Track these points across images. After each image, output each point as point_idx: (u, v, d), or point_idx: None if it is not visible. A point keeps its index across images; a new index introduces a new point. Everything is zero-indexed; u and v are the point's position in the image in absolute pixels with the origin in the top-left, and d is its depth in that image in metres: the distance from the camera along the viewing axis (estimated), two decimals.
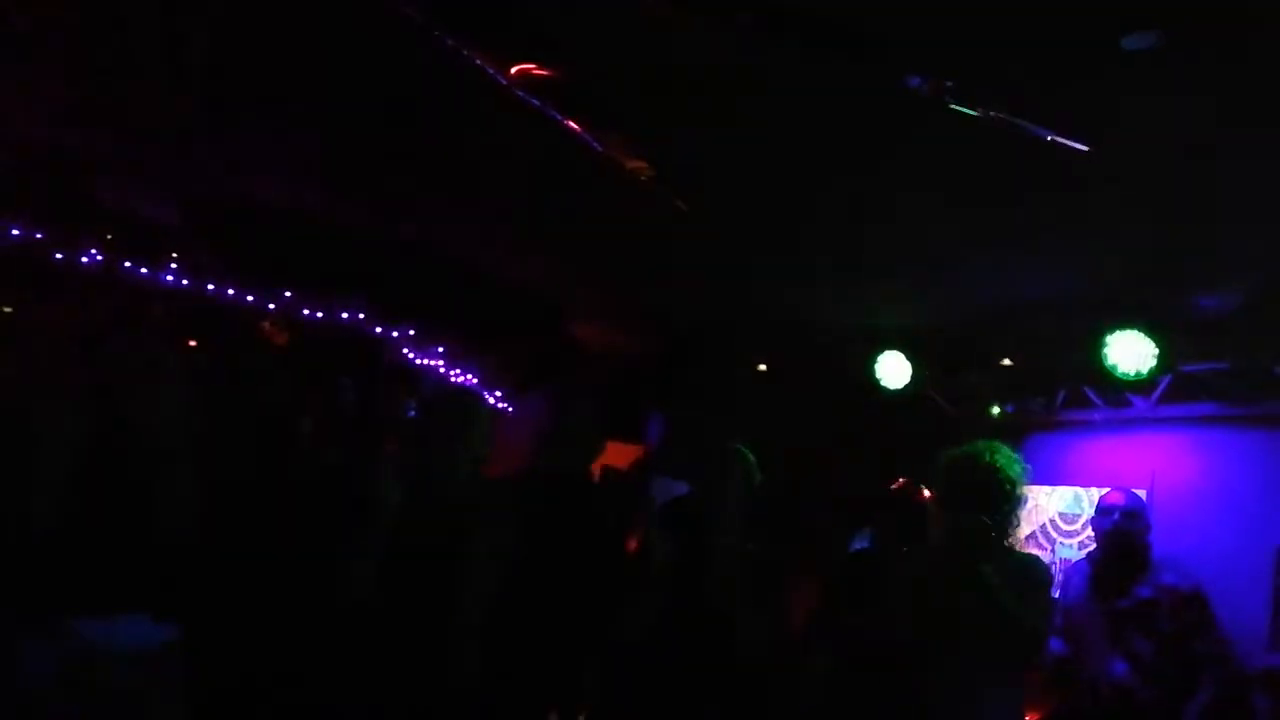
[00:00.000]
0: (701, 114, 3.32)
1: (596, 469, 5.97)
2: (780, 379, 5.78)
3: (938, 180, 3.33)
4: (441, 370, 6.62)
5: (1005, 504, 3.35)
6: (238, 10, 2.98)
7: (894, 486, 3.70)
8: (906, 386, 5.02)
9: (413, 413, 7.84)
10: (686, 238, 4.33)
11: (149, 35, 3.09)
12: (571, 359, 6.71)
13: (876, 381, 5.10)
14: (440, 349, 6.32)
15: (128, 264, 4.96)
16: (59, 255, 4.97)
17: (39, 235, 4.93)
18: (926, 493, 3.64)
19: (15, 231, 4.92)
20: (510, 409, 7.43)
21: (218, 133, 3.58)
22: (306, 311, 5.42)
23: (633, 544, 4.59)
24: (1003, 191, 3.32)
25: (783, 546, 3.90)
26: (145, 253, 5.02)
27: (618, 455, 7.34)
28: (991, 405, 5.13)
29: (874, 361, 5.08)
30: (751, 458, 3.98)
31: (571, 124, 3.56)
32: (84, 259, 4.96)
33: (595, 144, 3.64)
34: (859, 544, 4.43)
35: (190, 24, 3.02)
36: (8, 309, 5.47)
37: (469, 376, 7.02)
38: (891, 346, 5.02)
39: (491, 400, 7.34)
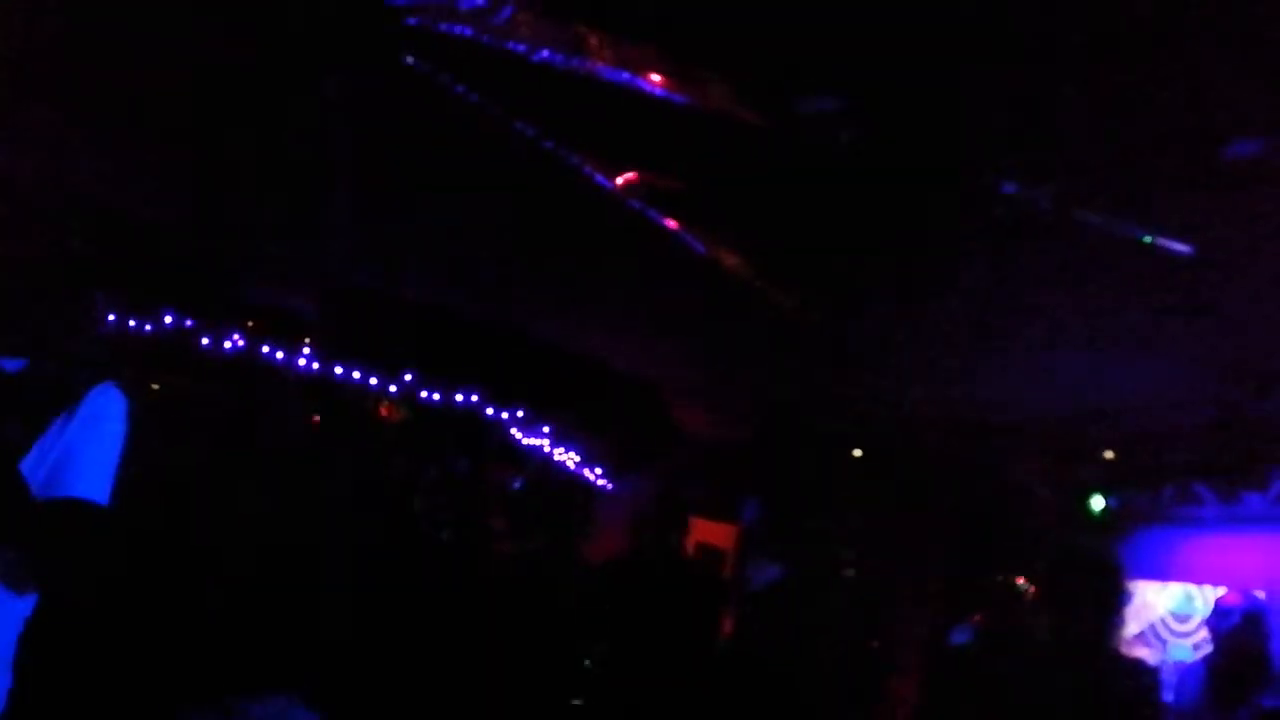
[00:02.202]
0: (810, 215, 3.50)
1: (693, 545, 6.05)
2: (881, 469, 5.79)
3: (1027, 274, 3.41)
4: (546, 449, 6.88)
5: (1115, 603, 3.29)
6: (377, 119, 3.33)
7: (995, 580, 3.69)
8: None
9: (518, 485, 8.08)
10: (792, 332, 4.47)
11: (298, 143, 3.46)
12: (670, 441, 6.86)
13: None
14: (546, 429, 6.58)
15: (265, 349, 5.40)
16: (205, 340, 5.44)
17: (189, 323, 5.42)
18: (1029, 587, 3.61)
19: (169, 319, 5.42)
20: (610, 487, 7.60)
21: (356, 230, 3.94)
22: (424, 394, 5.76)
23: (727, 625, 4.66)
24: (1101, 289, 3.38)
25: (883, 637, 3.91)
26: (282, 338, 5.45)
27: (713, 534, 7.41)
28: (1092, 496, 5.04)
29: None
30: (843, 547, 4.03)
31: (672, 224, 3.80)
32: (227, 344, 5.43)
33: (696, 244, 3.86)
34: (959, 637, 4.39)
35: (336, 131, 3.37)
36: (155, 386, 5.98)
37: (572, 455, 7.25)
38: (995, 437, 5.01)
39: (591, 478, 7.54)
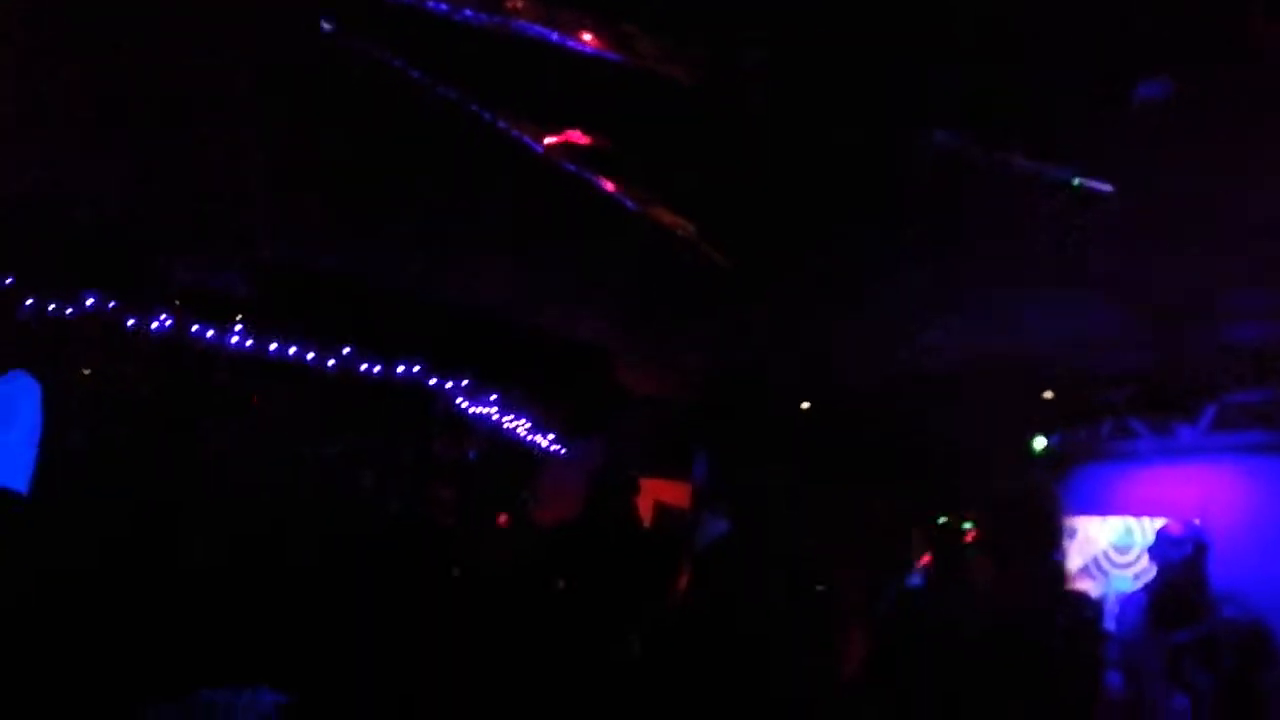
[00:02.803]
0: (745, 171, 3.46)
1: (649, 504, 6.07)
2: (824, 420, 5.84)
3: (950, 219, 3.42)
4: (495, 418, 6.81)
5: (1055, 539, 3.37)
6: (298, 94, 3.20)
7: (940, 525, 3.75)
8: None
9: (472, 456, 8.03)
10: (731, 288, 4.45)
11: (217, 121, 3.32)
12: (619, 404, 6.84)
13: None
14: (493, 398, 6.51)
15: (195, 328, 5.23)
16: (131, 321, 5.26)
17: (113, 304, 5.22)
18: (972, 529, 3.68)
19: (90, 300, 5.21)
20: (561, 452, 7.57)
21: (281, 206, 3.81)
22: (365, 367, 5.65)
23: (682, 582, 4.69)
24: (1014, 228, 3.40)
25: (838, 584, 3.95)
26: (213, 318, 5.29)
27: (668, 492, 7.45)
28: (1035, 439, 5.14)
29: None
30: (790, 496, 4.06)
31: (608, 185, 3.74)
32: (154, 325, 5.25)
33: (630, 203, 3.81)
34: (913, 581, 4.46)
35: (255, 110, 3.24)
36: (86, 371, 5.78)
37: (521, 423, 7.20)
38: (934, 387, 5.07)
39: (543, 443, 7.50)
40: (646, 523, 5.29)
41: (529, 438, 7.34)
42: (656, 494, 6.74)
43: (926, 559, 4.10)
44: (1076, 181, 3.02)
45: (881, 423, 5.39)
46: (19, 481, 1.89)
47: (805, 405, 5.88)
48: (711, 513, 5.28)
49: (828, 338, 4.99)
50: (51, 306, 5.01)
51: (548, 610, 3.66)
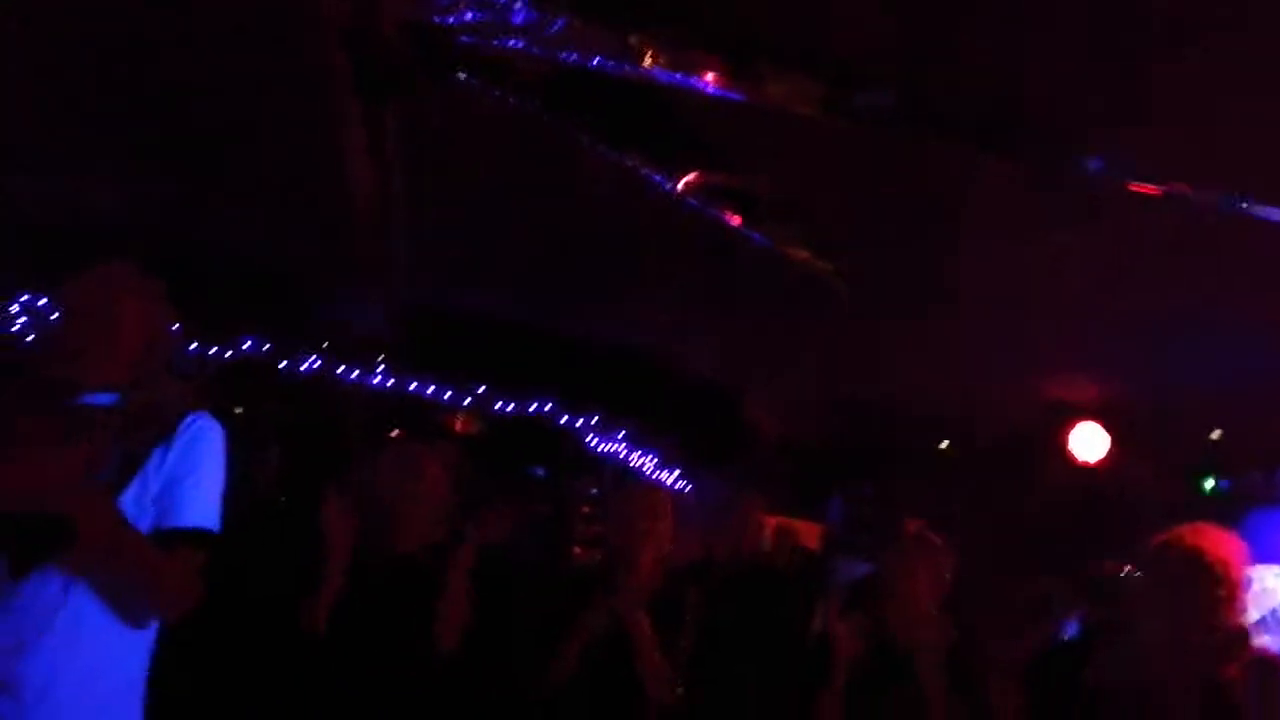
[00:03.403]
0: (881, 210, 3.38)
1: (777, 541, 5.92)
2: (967, 458, 5.59)
3: (1130, 253, 3.23)
4: (622, 455, 6.83)
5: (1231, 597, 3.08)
6: (433, 145, 3.32)
7: (1100, 570, 3.50)
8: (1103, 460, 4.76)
9: (595, 492, 8.09)
10: (863, 323, 4.34)
11: (359, 172, 3.48)
12: (746, 441, 6.75)
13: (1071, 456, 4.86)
14: (622, 434, 6.54)
15: (341, 370, 5.49)
16: (283, 364, 5.55)
17: (267, 347, 5.54)
18: (1137, 576, 3.41)
19: (247, 344, 5.55)
20: (687, 489, 7.53)
21: (422, 250, 3.95)
22: (499, 405, 5.77)
23: (818, 626, 4.53)
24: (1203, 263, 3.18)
25: (984, 635, 3.73)
26: (355, 358, 5.54)
27: (797, 533, 7.29)
28: (1204, 479, 4.77)
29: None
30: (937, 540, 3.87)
31: (737, 220, 3.71)
32: (303, 366, 5.52)
33: (761, 240, 3.76)
34: (1068, 631, 4.18)
35: (392, 161, 3.38)
36: (239, 410, 6.13)
37: (648, 459, 7.20)
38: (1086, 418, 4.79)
39: (668, 480, 7.47)
40: (773, 561, 5.16)
41: (656, 474, 7.34)
42: (784, 533, 6.60)
43: (1086, 610, 3.84)
44: (1245, 205, 2.80)
45: (1031, 462, 5.12)
46: (212, 520, 1.91)
47: (944, 444, 5.65)
48: (848, 555, 5.12)
49: (972, 372, 4.79)
50: (212, 350, 5.34)
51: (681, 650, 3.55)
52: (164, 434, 1.84)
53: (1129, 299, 3.59)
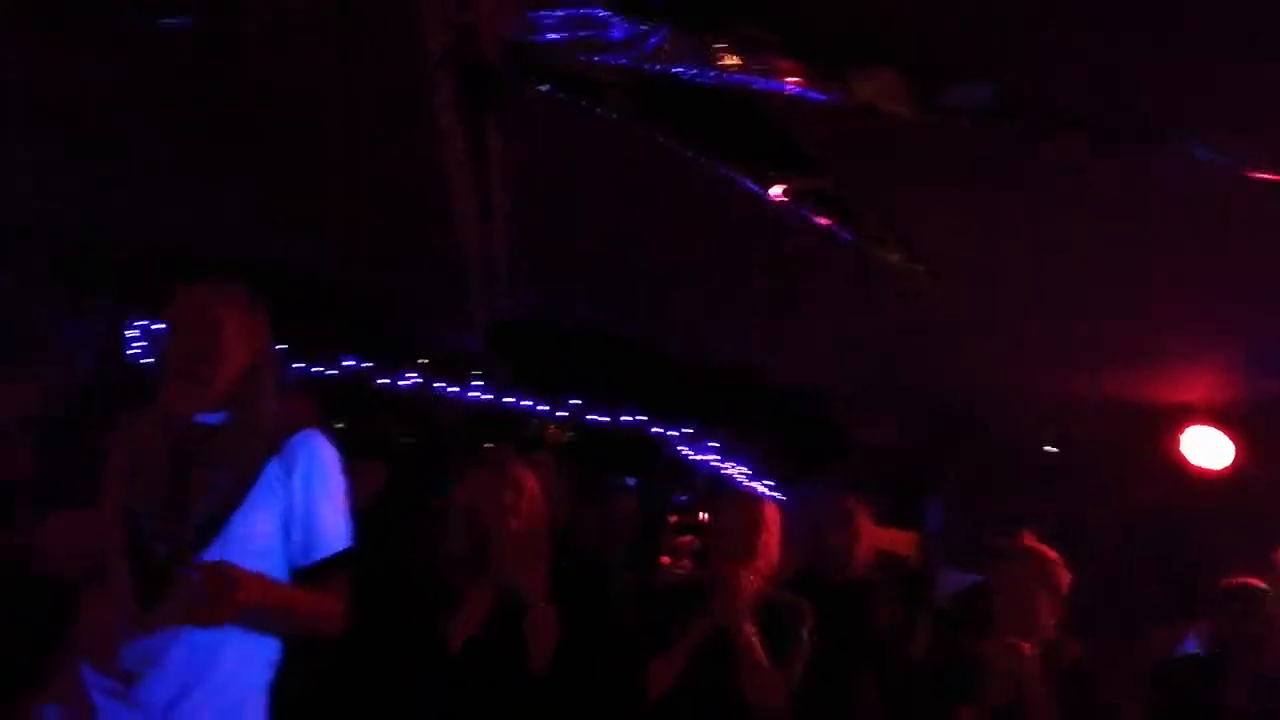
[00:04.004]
0: (972, 206, 3.31)
1: (873, 553, 5.81)
2: (1077, 462, 5.40)
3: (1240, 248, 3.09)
4: (714, 464, 6.83)
5: None
6: (532, 161, 3.38)
7: (1229, 583, 3.33)
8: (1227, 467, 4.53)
9: (684, 499, 8.08)
10: (960, 321, 4.25)
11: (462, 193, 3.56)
12: (840, 448, 6.67)
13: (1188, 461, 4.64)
14: (713, 444, 6.54)
15: (439, 385, 5.63)
16: (383, 380, 5.74)
17: (367, 364, 5.73)
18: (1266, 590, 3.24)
19: (349, 362, 5.74)
20: (782, 498, 7.47)
21: (520, 267, 4.03)
22: (591, 417, 5.84)
23: (920, 643, 4.42)
24: None
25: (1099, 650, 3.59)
26: (452, 373, 5.68)
27: (893, 541, 7.14)
28: None
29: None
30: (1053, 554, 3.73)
31: (824, 221, 3.67)
32: (402, 382, 5.69)
33: (849, 238, 3.71)
34: (1188, 646, 4.00)
35: (495, 179, 3.45)
36: (339, 424, 6.35)
37: (740, 467, 7.17)
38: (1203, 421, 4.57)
39: (763, 490, 7.43)
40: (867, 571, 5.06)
41: (747, 483, 7.30)
42: (881, 542, 6.48)
43: (1207, 623, 3.67)
44: None
45: (1144, 468, 4.91)
46: (350, 540, 1.98)
47: (1050, 449, 5.46)
48: (954, 565, 4.99)
49: (1076, 374, 4.63)
50: (315, 369, 5.54)
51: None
52: (273, 450, 1.90)
53: (1246, 290, 3.43)
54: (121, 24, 2.61)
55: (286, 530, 1.91)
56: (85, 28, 2.71)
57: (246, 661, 1.89)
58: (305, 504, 1.92)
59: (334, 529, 1.98)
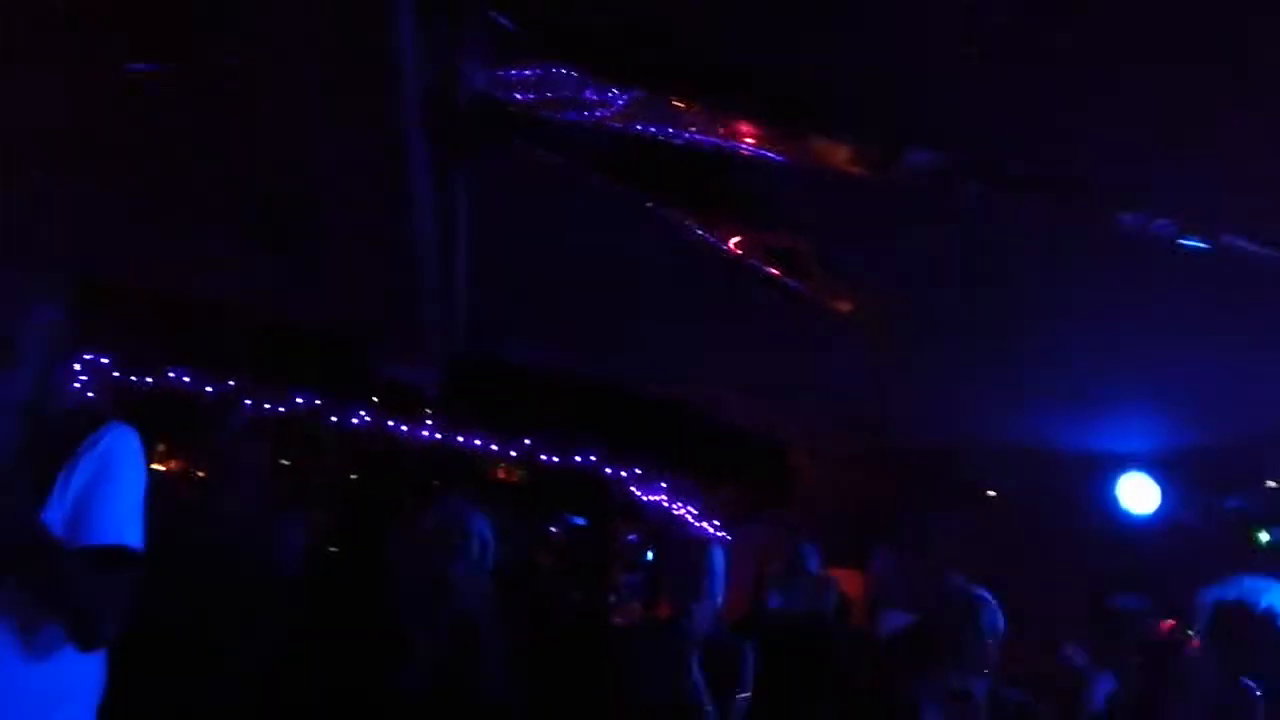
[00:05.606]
0: (915, 256, 3.44)
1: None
2: (1015, 508, 5.56)
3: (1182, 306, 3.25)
4: (664, 505, 6.88)
5: None
6: (495, 208, 3.43)
7: (1160, 628, 3.45)
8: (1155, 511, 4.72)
9: (633, 539, 8.10)
10: (904, 370, 4.38)
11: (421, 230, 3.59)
12: (787, 490, 6.76)
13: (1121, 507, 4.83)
14: (663, 484, 6.59)
15: (391, 423, 5.60)
16: (334, 418, 5.68)
17: (318, 401, 5.67)
18: (1188, 634, 3.37)
19: (299, 400, 5.68)
20: (727, 538, 7.54)
21: (477, 309, 4.06)
22: (544, 457, 5.86)
23: (865, 681, 4.50)
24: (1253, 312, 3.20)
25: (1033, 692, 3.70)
26: (404, 412, 5.65)
27: (840, 581, 7.24)
28: (1259, 531, 4.70)
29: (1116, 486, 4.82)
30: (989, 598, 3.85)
31: (773, 271, 3.78)
32: (354, 420, 5.65)
33: (799, 288, 3.83)
34: (1104, 686, 4.12)
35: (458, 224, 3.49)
36: (285, 461, 6.25)
37: (688, 508, 7.23)
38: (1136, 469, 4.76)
39: (710, 530, 7.49)
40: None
41: (696, 524, 7.35)
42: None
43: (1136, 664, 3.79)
44: None
45: (1079, 512, 5.09)
46: (134, 538, 1.76)
47: (991, 494, 5.62)
48: (891, 606, 5.08)
49: (1018, 422, 4.79)
50: (266, 405, 5.47)
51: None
52: (72, 445, 1.72)
53: (1179, 350, 3.61)
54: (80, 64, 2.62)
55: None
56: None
57: (62, 688, 1.71)
58: (87, 488, 1.72)
59: (114, 521, 1.75)
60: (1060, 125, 2.44)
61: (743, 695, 3.17)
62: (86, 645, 1.68)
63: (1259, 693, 2.78)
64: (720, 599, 3.36)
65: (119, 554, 1.71)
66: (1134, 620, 3.96)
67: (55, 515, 1.67)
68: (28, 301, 1.72)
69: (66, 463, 1.70)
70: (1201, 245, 2.62)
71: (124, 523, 1.74)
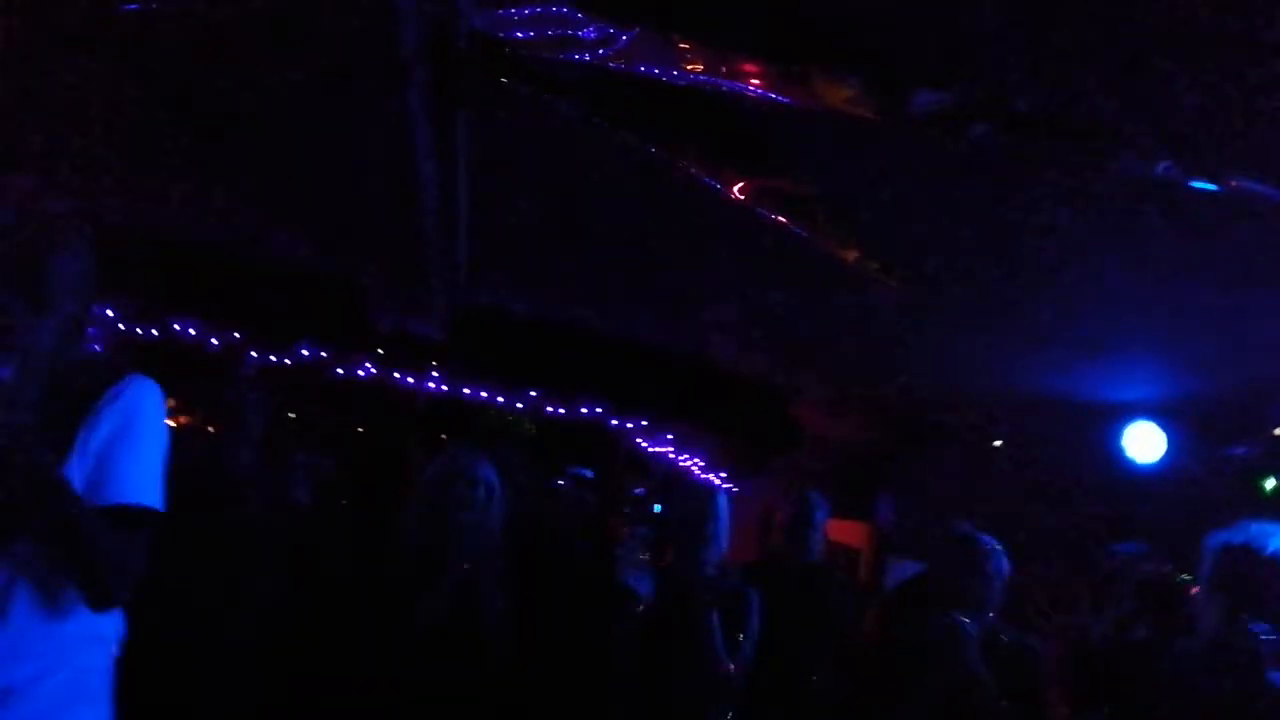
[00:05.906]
0: (919, 202, 3.40)
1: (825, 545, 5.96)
2: (1021, 455, 5.57)
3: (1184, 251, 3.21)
4: (670, 456, 6.90)
5: None
6: (498, 151, 3.40)
7: (1160, 573, 3.48)
8: (1160, 459, 4.72)
9: (640, 491, 8.16)
10: (911, 318, 4.36)
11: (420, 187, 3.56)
12: (793, 441, 6.78)
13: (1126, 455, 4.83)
14: (670, 436, 6.61)
15: (396, 375, 5.60)
16: (339, 370, 5.69)
17: (323, 354, 5.67)
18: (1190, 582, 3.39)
19: (304, 351, 5.68)
20: (735, 489, 7.58)
21: (481, 256, 4.04)
22: (550, 409, 5.87)
23: (869, 625, 4.55)
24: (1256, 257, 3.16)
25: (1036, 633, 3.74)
26: (412, 364, 5.65)
27: (845, 533, 7.29)
28: (1265, 479, 4.69)
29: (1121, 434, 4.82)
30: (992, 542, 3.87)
31: (781, 218, 3.75)
32: (360, 372, 5.66)
33: (805, 234, 3.80)
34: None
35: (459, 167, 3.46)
36: (293, 415, 6.27)
37: (695, 460, 7.26)
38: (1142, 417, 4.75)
39: (717, 481, 7.52)
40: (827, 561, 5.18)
41: (703, 475, 7.39)
42: (832, 534, 6.62)
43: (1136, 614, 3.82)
44: None
45: (1084, 460, 5.09)
46: (154, 498, 1.74)
47: (997, 443, 5.62)
48: (898, 555, 5.12)
49: (1024, 369, 4.78)
50: (272, 358, 5.48)
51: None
52: (92, 399, 1.70)
53: (1185, 296, 3.57)
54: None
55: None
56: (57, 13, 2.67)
57: (78, 638, 1.70)
58: (108, 445, 1.70)
59: (134, 480, 1.73)
60: (1067, 65, 2.39)
61: (748, 641, 3.21)
62: (100, 604, 1.68)
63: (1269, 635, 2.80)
64: (725, 545, 3.40)
65: (140, 514, 1.70)
66: (1131, 565, 3.99)
67: (76, 470, 1.65)
68: (53, 250, 1.69)
69: (87, 416, 1.68)
70: (1210, 187, 2.58)
71: (146, 481, 1.73)
